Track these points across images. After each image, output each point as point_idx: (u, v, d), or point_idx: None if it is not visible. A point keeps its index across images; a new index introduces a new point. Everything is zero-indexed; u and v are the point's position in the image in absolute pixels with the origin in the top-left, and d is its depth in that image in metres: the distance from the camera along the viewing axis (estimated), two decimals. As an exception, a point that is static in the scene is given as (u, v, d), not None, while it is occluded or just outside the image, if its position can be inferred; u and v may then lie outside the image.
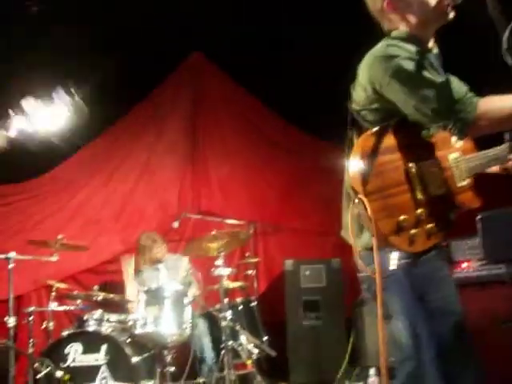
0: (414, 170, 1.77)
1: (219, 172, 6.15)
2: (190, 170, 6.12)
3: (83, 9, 4.99)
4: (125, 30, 5.19)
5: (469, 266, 4.22)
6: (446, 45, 2.09)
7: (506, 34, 1.45)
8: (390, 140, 1.80)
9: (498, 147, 1.85)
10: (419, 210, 1.74)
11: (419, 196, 1.76)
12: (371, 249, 1.75)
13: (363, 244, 1.88)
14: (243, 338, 4.44)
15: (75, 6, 4.94)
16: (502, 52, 1.45)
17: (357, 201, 1.72)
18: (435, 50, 2.00)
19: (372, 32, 2.08)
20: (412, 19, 1.93)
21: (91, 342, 4.17)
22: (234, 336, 4.40)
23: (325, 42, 5.19)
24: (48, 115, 2.17)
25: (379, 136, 1.80)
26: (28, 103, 2.16)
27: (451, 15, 1.91)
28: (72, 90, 2.21)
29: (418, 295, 1.76)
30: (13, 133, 2.16)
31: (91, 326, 4.29)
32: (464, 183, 1.86)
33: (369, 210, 1.67)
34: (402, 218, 1.71)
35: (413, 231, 1.72)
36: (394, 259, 1.76)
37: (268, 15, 5.32)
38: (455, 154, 1.88)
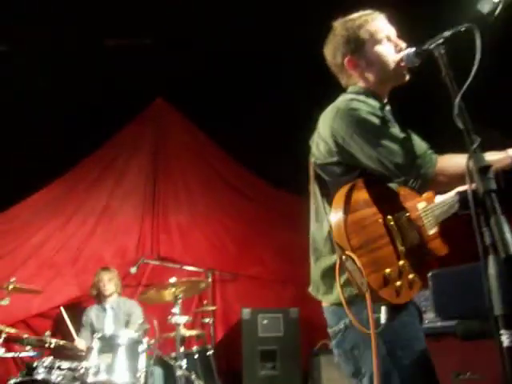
0: (392, 222, 1.80)
1: (179, 218, 6.14)
2: (149, 216, 6.08)
3: (45, 44, 5.04)
4: (88, 70, 5.25)
5: (423, 318, 4.30)
6: (401, 105, 2.21)
7: (457, 100, 1.55)
8: (364, 194, 1.82)
9: (452, 197, 1.92)
10: (401, 262, 1.76)
11: (400, 247, 1.78)
12: (341, 304, 1.76)
13: (333, 300, 1.87)
14: (198, 388, 4.36)
15: (36, 43, 5.00)
16: (453, 116, 1.55)
17: (344, 257, 1.71)
18: (388, 107, 2.07)
19: (332, 84, 2.17)
20: (371, 78, 2.02)
21: (39, 392, 4.01)
22: (189, 385, 4.32)
23: (287, 92, 5.35)
24: None
25: (355, 190, 1.82)
26: None
27: (407, 77, 2.02)
28: None
29: (391, 353, 1.74)
30: None
31: (40, 374, 4.09)
32: (433, 231, 1.90)
33: (359, 264, 1.66)
34: (387, 270, 1.72)
35: (398, 283, 1.73)
36: (383, 313, 1.72)
37: (231, 64, 5.46)
38: (422, 203, 1.93)
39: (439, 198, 2.00)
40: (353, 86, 2.06)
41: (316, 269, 1.94)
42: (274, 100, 5.51)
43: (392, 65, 1.97)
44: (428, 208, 1.92)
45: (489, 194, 1.42)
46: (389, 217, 1.81)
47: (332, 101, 2.01)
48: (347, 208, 1.76)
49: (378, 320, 1.71)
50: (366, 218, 1.78)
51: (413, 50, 1.89)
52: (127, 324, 4.89)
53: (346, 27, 2.04)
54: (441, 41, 1.70)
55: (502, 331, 1.33)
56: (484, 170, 1.44)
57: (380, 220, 1.79)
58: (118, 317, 5.04)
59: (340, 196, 1.80)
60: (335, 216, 1.76)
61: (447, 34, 1.70)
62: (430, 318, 4.28)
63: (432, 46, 1.72)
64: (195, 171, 6.37)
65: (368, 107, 1.88)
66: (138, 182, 6.11)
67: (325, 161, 1.97)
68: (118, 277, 5.27)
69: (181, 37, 5.31)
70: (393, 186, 1.91)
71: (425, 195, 1.97)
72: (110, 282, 5.16)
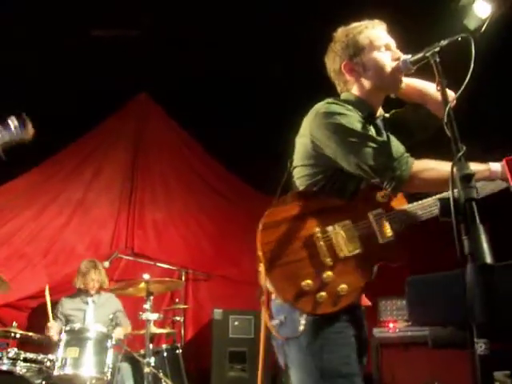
0: (319, 234, 1.82)
1: (155, 215, 6.10)
2: (125, 211, 6.02)
3: (35, 35, 4.96)
4: (73, 60, 5.19)
5: (395, 327, 4.34)
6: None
7: (447, 108, 1.56)
8: (296, 209, 1.86)
9: (426, 200, 1.92)
10: (326, 274, 1.78)
11: (326, 259, 1.80)
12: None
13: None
14: (165, 386, 4.32)
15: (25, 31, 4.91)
16: (443, 123, 1.57)
17: (260, 269, 1.80)
18: (381, 117, 2.10)
19: (320, 86, 2.18)
20: (366, 83, 2.03)
21: (2, 382, 3.92)
22: (157, 383, 4.27)
23: (274, 93, 5.35)
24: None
25: (286, 205, 1.87)
26: None
27: (403, 84, 2.04)
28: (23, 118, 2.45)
29: (315, 356, 1.78)
30: None
31: (4, 365, 4.01)
32: (387, 240, 1.88)
33: (263, 279, 1.79)
34: (304, 282, 1.76)
35: (318, 294, 1.76)
36: (302, 322, 1.79)
37: (219, 62, 5.44)
38: (377, 210, 1.91)
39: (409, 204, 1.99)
40: (344, 94, 2.09)
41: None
42: (259, 101, 5.51)
43: (388, 71, 1.99)
44: (384, 215, 1.91)
45: (470, 202, 1.42)
46: (316, 229, 1.83)
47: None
48: (271, 222, 1.83)
49: (308, 327, 1.79)
50: (287, 233, 1.82)
51: (409, 56, 1.92)
52: (112, 324, 4.79)
53: (347, 33, 2.07)
54: (437, 49, 1.72)
55: (476, 340, 1.33)
56: (467, 178, 1.44)
57: (303, 234, 1.83)
58: (100, 311, 4.94)
59: (268, 211, 1.85)
60: (259, 229, 1.82)
61: (444, 42, 1.73)
62: (400, 327, 4.33)
63: (428, 53, 1.75)
64: (174, 169, 6.34)
65: (346, 110, 1.91)
66: (115, 176, 6.05)
67: (300, 162, 2.01)
68: (105, 271, 5.14)
69: (169, 31, 5.27)
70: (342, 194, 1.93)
71: (388, 200, 1.94)
72: (103, 281, 5.05)
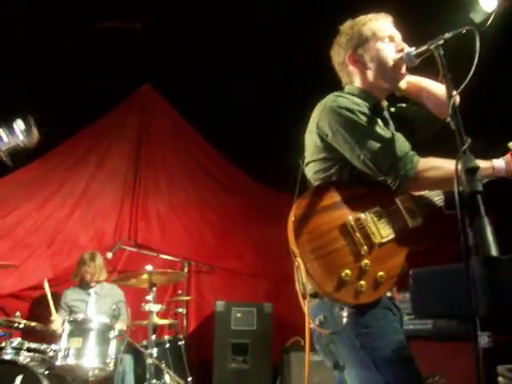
0: (352, 223, 1.80)
1: (158, 206, 6.10)
2: (129, 202, 6.02)
3: (36, 29, 4.95)
4: (76, 52, 5.18)
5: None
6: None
7: (451, 101, 1.55)
8: (326, 198, 1.84)
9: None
10: (363, 262, 1.76)
11: (363, 247, 1.78)
12: (316, 296, 1.79)
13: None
14: (167, 377, 4.34)
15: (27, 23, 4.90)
16: (447, 117, 1.55)
17: (296, 264, 1.75)
18: (386, 108, 2.09)
19: (327, 80, 2.17)
20: (369, 75, 2.02)
21: (6, 372, 3.91)
22: (159, 374, 4.28)
23: (277, 86, 5.34)
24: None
25: (315, 196, 1.84)
26: None
27: (406, 78, 2.03)
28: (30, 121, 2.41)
29: (365, 346, 1.74)
30: None
31: (8, 355, 4.03)
32: (416, 223, 1.88)
33: (302, 270, 1.71)
34: (343, 273, 1.73)
35: (358, 283, 1.73)
36: (344, 315, 1.75)
37: (222, 56, 5.42)
38: (403, 195, 1.91)
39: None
40: (348, 86, 2.08)
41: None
42: (262, 94, 5.49)
43: (391, 63, 1.99)
44: (409, 199, 1.91)
45: (474, 195, 1.42)
46: (350, 217, 1.81)
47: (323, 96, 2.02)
48: (302, 214, 1.79)
49: (351, 319, 1.74)
50: (322, 224, 1.80)
51: (412, 49, 1.91)
52: (114, 314, 4.80)
53: (352, 26, 2.07)
54: (441, 42, 1.71)
55: (479, 332, 1.33)
56: (472, 171, 1.44)
57: (337, 223, 1.80)
58: (102, 302, 4.95)
59: (298, 203, 1.82)
60: (290, 222, 1.79)
61: (448, 35, 1.71)
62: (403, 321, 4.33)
63: (432, 46, 1.73)
64: (178, 161, 6.34)
65: (354, 105, 1.90)
66: (119, 168, 6.05)
67: (311, 158, 2.00)
68: (104, 263, 5.14)
69: (172, 24, 5.25)
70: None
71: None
72: (99, 272, 5.04)
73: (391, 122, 2.02)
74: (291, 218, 1.79)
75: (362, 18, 2.07)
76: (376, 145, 1.82)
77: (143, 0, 5.03)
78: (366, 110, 1.90)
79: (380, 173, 1.84)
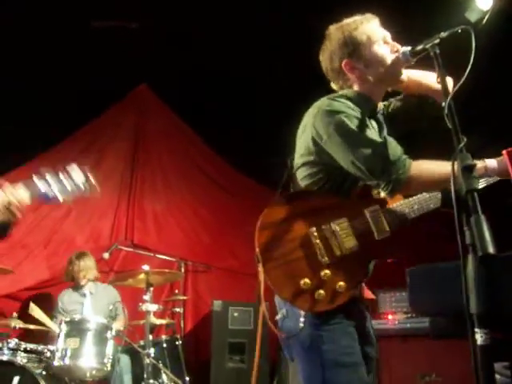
0: (315, 233, 1.84)
1: (155, 206, 6.11)
2: (125, 202, 6.02)
3: (29, 21, 4.94)
4: (73, 51, 5.17)
5: (394, 319, 4.36)
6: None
7: (448, 99, 1.56)
8: (291, 208, 1.87)
9: (427, 195, 1.94)
10: (323, 272, 1.80)
11: (324, 258, 1.82)
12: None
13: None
14: (165, 377, 4.34)
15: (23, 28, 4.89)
16: (443, 115, 1.56)
17: (259, 269, 1.81)
18: (382, 111, 2.11)
19: (319, 82, 2.17)
20: (368, 79, 2.02)
21: (3, 372, 3.91)
22: (156, 374, 4.28)
23: (275, 87, 5.34)
24: (64, 187, 2.36)
25: (284, 205, 1.89)
26: (49, 173, 2.34)
27: (404, 77, 2.03)
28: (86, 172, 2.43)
29: (316, 349, 1.80)
30: (35, 194, 2.32)
31: (5, 356, 4.01)
32: (382, 235, 1.90)
33: (260, 278, 1.80)
34: (302, 281, 1.78)
35: (316, 292, 1.78)
36: (301, 319, 1.81)
37: (219, 56, 5.43)
38: (373, 206, 1.93)
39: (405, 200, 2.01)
40: (346, 90, 2.06)
41: None
42: (259, 94, 5.50)
43: (388, 64, 1.99)
44: (379, 211, 1.92)
45: (471, 193, 1.43)
46: (313, 229, 1.84)
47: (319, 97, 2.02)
48: (269, 222, 1.85)
49: (307, 324, 1.82)
50: (285, 232, 1.84)
51: (408, 48, 1.91)
52: (111, 314, 4.79)
53: (342, 30, 2.04)
54: (437, 41, 1.71)
55: (476, 330, 1.34)
56: (468, 169, 1.44)
57: (301, 233, 1.84)
58: (97, 302, 4.94)
59: (266, 210, 1.87)
60: (257, 229, 1.84)
61: (444, 34, 1.71)
62: (399, 319, 4.34)
63: (428, 45, 1.73)
64: (174, 160, 6.35)
65: (348, 109, 1.90)
66: (115, 167, 6.04)
67: (301, 159, 2.00)
68: (94, 262, 5.11)
69: (171, 24, 5.25)
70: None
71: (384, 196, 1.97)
72: (86, 270, 4.99)
73: (385, 125, 2.03)
74: (258, 225, 1.84)
75: (351, 22, 2.05)
76: (369, 149, 1.83)
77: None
78: (359, 115, 1.89)
79: (373, 177, 1.84)
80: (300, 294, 1.78)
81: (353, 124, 1.86)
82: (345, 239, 1.85)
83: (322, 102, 1.96)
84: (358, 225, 1.88)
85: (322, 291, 1.78)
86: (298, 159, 2.03)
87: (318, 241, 1.83)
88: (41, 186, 2.34)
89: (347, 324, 1.84)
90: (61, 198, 2.37)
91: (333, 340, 1.80)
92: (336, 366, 1.77)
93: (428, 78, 2.10)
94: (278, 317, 1.92)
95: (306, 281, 1.78)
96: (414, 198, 1.96)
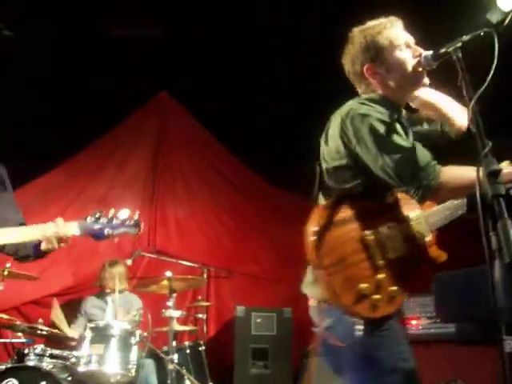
0: (370, 237, 1.81)
1: (177, 212, 6.13)
2: (147, 208, 6.05)
3: (51, 32, 5.02)
4: (94, 60, 5.24)
5: (418, 324, 4.31)
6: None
7: (472, 103, 1.54)
8: (345, 211, 1.83)
9: (455, 201, 1.94)
10: (380, 276, 1.77)
11: (379, 262, 1.79)
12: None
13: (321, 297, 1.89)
14: (188, 383, 4.35)
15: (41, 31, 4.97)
16: (467, 120, 1.54)
17: (316, 274, 1.77)
18: (405, 114, 2.08)
19: (344, 87, 2.16)
20: (390, 84, 2.01)
21: (29, 378, 3.93)
22: (180, 380, 4.30)
23: (295, 94, 5.34)
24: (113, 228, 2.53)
25: (334, 208, 1.84)
26: (100, 213, 2.52)
27: (426, 80, 2.01)
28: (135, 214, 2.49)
29: (373, 356, 1.76)
30: (86, 233, 2.50)
31: (31, 361, 4.06)
32: (427, 239, 1.90)
33: (323, 285, 1.75)
34: (362, 286, 1.74)
35: (375, 297, 1.74)
36: (359, 327, 1.77)
37: (242, 63, 5.45)
38: (416, 211, 1.91)
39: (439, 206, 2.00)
40: (370, 93, 2.04)
41: (309, 272, 1.97)
42: (279, 100, 5.49)
43: (410, 69, 1.97)
44: (422, 216, 1.91)
45: (497, 198, 1.41)
46: (367, 232, 1.81)
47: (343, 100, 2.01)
48: (322, 226, 1.79)
49: (353, 328, 1.77)
50: (340, 235, 1.79)
51: (430, 52, 1.90)
52: (135, 320, 4.83)
53: (365, 35, 2.03)
54: (459, 44, 1.70)
55: (504, 337, 1.32)
56: (494, 174, 1.43)
57: (356, 236, 1.80)
58: (119, 310, 4.95)
59: (317, 213, 1.82)
60: (309, 233, 1.78)
61: (466, 37, 1.69)
62: (424, 325, 4.29)
63: (450, 49, 1.72)
64: (195, 166, 6.37)
65: (377, 113, 1.88)
66: (137, 174, 6.09)
67: (333, 164, 1.96)
68: (126, 270, 5.15)
69: (190, 31, 5.28)
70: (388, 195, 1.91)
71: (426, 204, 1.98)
72: (117, 278, 4.96)
73: (410, 131, 2.01)
74: (313, 228, 1.78)
75: (375, 26, 2.04)
76: (397, 155, 1.81)
77: (158, 7, 5.05)
78: (388, 119, 1.88)
79: (402, 183, 1.81)
80: (360, 299, 1.73)
81: (382, 129, 1.84)
82: (395, 243, 1.83)
83: (351, 106, 1.95)
84: (404, 229, 1.87)
85: (379, 296, 1.75)
86: (330, 162, 1.98)
87: (373, 244, 1.80)
88: (92, 225, 2.51)
89: (398, 329, 1.82)
90: (110, 237, 2.54)
91: (389, 346, 1.77)
92: (394, 372, 1.73)
93: (441, 103, 2.11)
94: (324, 326, 1.87)
95: (365, 285, 1.74)
96: (446, 204, 1.96)
